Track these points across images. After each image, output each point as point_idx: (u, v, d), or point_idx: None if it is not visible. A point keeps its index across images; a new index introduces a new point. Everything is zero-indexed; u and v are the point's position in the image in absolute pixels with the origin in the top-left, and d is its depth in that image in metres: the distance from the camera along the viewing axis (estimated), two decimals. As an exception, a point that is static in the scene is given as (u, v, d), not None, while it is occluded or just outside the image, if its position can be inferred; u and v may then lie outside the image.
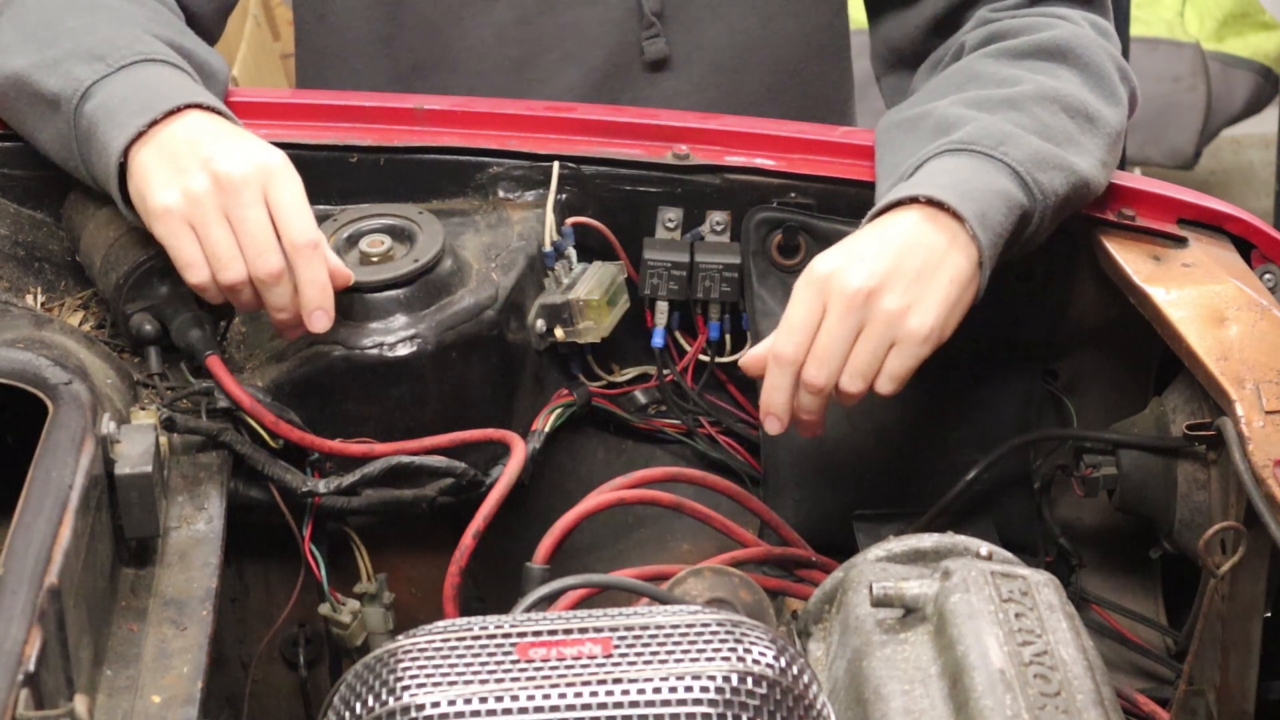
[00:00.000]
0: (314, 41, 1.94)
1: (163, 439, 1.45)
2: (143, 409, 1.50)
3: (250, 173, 1.47)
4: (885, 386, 1.48)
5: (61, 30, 1.58)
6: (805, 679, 1.12)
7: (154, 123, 1.49)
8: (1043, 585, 1.28)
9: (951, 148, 1.55)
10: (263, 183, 1.47)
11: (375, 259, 1.61)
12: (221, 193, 1.46)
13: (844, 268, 1.46)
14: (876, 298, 1.46)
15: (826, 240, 1.67)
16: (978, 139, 1.54)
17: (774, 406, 1.49)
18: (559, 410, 1.69)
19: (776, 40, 1.89)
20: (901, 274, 1.46)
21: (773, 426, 1.50)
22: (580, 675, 1.09)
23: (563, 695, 1.08)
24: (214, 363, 1.52)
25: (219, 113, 1.53)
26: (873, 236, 1.49)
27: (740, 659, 1.10)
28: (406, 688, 1.09)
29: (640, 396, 1.77)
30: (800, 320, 1.47)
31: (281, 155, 1.50)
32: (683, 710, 1.07)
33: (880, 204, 1.52)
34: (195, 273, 1.48)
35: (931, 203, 1.49)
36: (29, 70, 1.56)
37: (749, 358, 1.52)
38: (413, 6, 1.86)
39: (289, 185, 1.48)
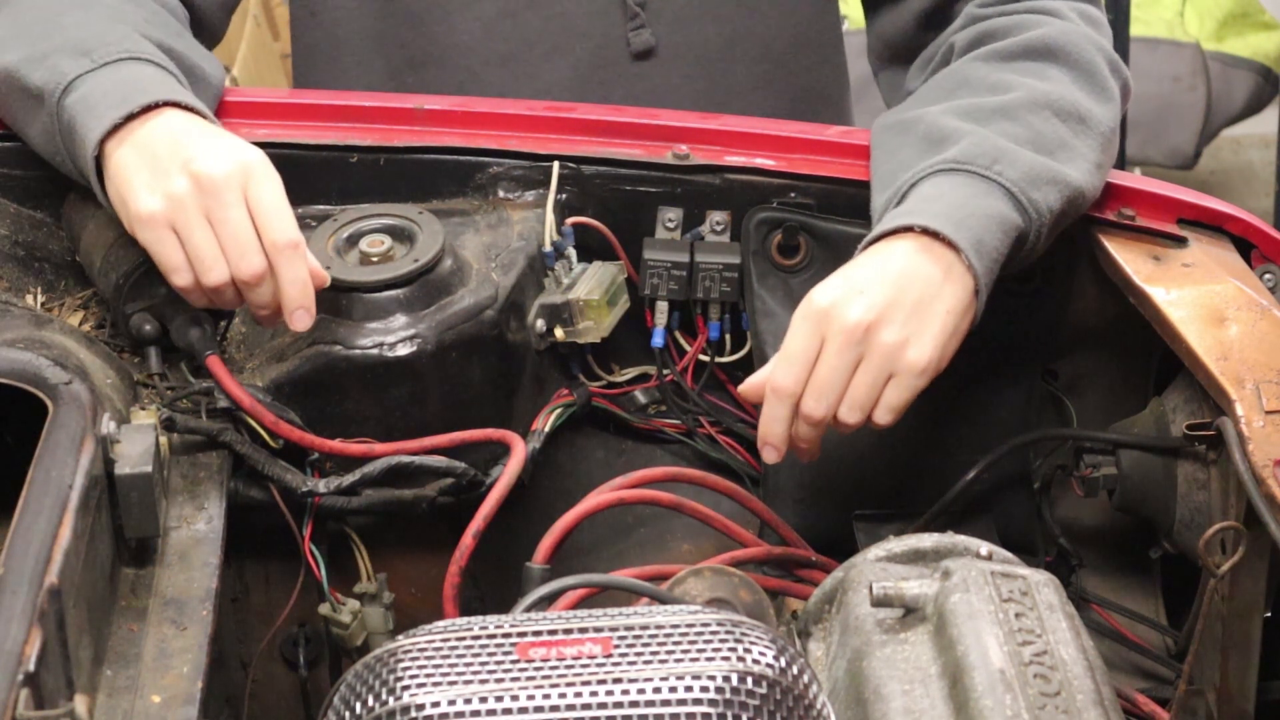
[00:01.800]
0: (307, 38, 1.94)
1: (163, 439, 1.45)
2: (143, 409, 1.50)
3: (231, 172, 1.46)
4: (883, 417, 1.49)
5: (55, 27, 1.58)
6: (805, 679, 1.12)
7: (131, 117, 1.49)
8: (1043, 585, 1.28)
9: (945, 167, 1.54)
10: (243, 182, 1.47)
11: (375, 259, 1.61)
12: (203, 194, 1.46)
13: (842, 301, 1.47)
14: (875, 331, 1.46)
15: (826, 240, 1.68)
16: (971, 158, 1.54)
17: (772, 437, 1.50)
18: (559, 410, 1.69)
19: (763, 32, 1.89)
20: (899, 307, 1.46)
21: (770, 456, 1.51)
22: (580, 675, 1.09)
23: (563, 695, 1.08)
24: (214, 363, 1.52)
25: (198, 113, 1.53)
26: (869, 268, 1.49)
27: (740, 659, 1.10)
28: (406, 688, 1.09)
29: (640, 396, 1.77)
30: (799, 352, 1.47)
31: (261, 154, 1.50)
32: (683, 710, 1.07)
33: (875, 232, 1.51)
34: (180, 276, 1.48)
35: (927, 232, 1.49)
36: (18, 64, 1.57)
37: (748, 385, 1.52)
38: (401, 2, 1.86)
39: (269, 184, 1.48)
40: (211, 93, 1.67)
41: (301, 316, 1.49)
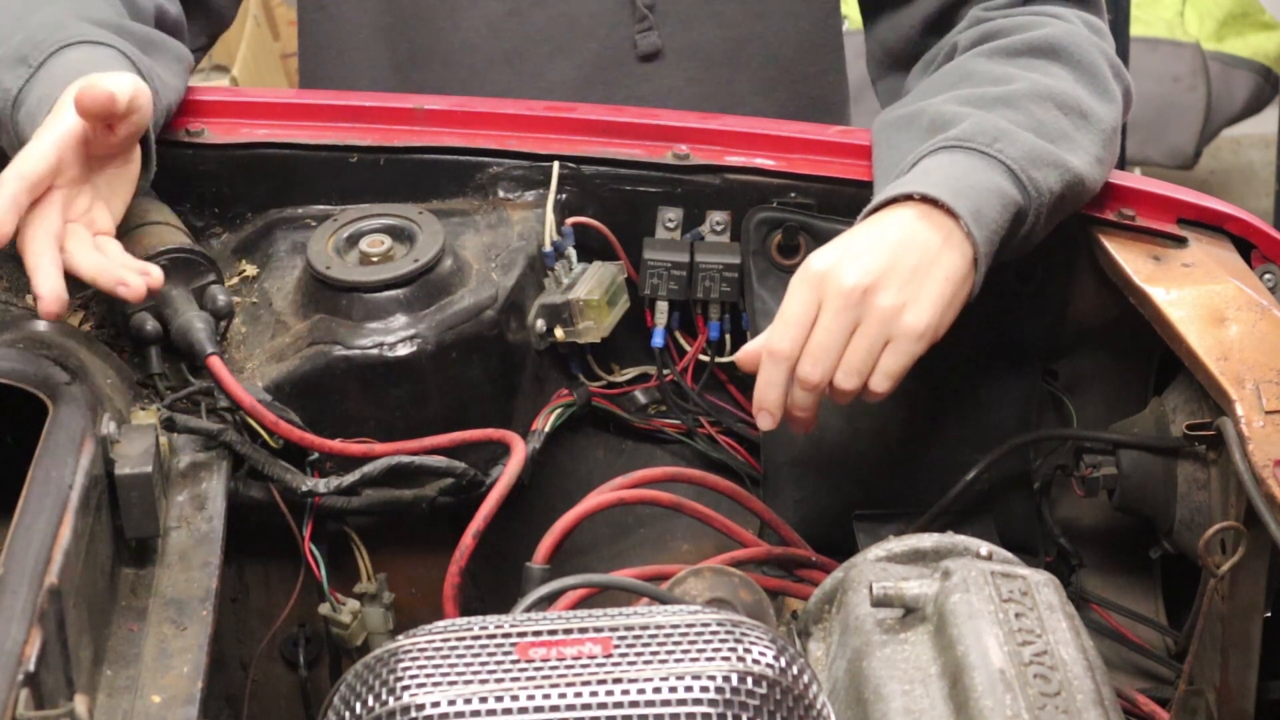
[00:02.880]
0: (315, 33, 1.95)
1: (163, 439, 1.45)
2: (143, 409, 1.50)
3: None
4: (880, 384, 1.48)
5: (19, 26, 1.57)
6: (805, 679, 1.12)
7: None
8: (1043, 585, 1.28)
9: (946, 144, 1.55)
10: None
11: (375, 259, 1.61)
12: None
13: (839, 265, 1.47)
14: (872, 295, 1.46)
15: (826, 240, 1.67)
16: (973, 136, 1.54)
17: (767, 402, 1.49)
18: (559, 410, 1.69)
19: (769, 36, 1.90)
20: (897, 271, 1.46)
21: (765, 422, 1.50)
22: (580, 675, 1.09)
23: (563, 695, 1.08)
24: (214, 363, 1.52)
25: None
26: (868, 234, 1.49)
27: (740, 659, 1.10)
28: (406, 688, 1.09)
29: (640, 396, 1.77)
30: (795, 316, 1.47)
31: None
32: (683, 710, 1.07)
33: (875, 200, 1.52)
34: None
35: (926, 200, 1.49)
36: None
37: (744, 352, 1.52)
38: None
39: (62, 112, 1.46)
40: (171, 55, 1.66)
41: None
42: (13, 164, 1.43)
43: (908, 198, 1.49)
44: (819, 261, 1.48)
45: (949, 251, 1.48)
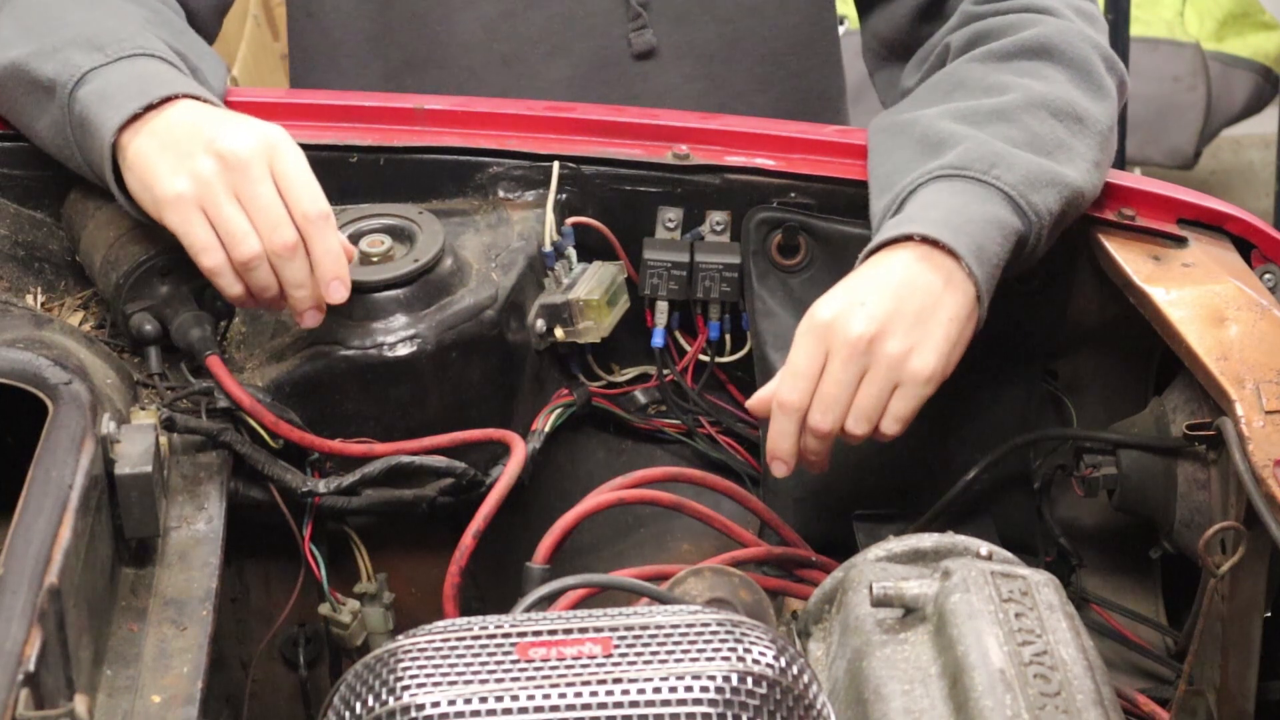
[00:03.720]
0: (304, 40, 1.94)
1: (163, 439, 1.45)
2: (143, 409, 1.50)
3: (255, 149, 1.46)
4: (890, 427, 1.49)
5: (61, 24, 1.58)
6: (805, 679, 1.12)
7: (150, 107, 1.49)
8: (1043, 585, 1.28)
9: (943, 173, 1.54)
10: (268, 158, 1.47)
11: (375, 259, 1.61)
12: (229, 171, 1.46)
13: (844, 314, 1.47)
14: (879, 343, 1.46)
15: (826, 240, 1.68)
16: (969, 163, 1.54)
17: (780, 451, 1.50)
18: (559, 410, 1.69)
19: (763, 32, 1.90)
20: (902, 317, 1.47)
21: (779, 470, 1.51)
22: (580, 675, 1.09)
23: (563, 695, 1.08)
24: (214, 363, 1.52)
25: (212, 105, 1.53)
26: (870, 279, 1.49)
27: (740, 659, 1.10)
28: (406, 688, 1.09)
29: (640, 396, 1.77)
30: (803, 367, 1.48)
31: (282, 130, 1.50)
32: (683, 710, 1.07)
33: (875, 241, 1.52)
34: (210, 256, 1.47)
35: (926, 240, 1.49)
36: (26, 58, 1.56)
37: (756, 400, 1.53)
38: (401, 3, 1.86)
39: (294, 158, 1.48)
40: (215, 94, 1.66)
41: (337, 288, 1.48)
42: (319, 204, 1.47)
43: (908, 238, 1.49)
44: (824, 310, 1.48)
45: (951, 293, 1.49)
